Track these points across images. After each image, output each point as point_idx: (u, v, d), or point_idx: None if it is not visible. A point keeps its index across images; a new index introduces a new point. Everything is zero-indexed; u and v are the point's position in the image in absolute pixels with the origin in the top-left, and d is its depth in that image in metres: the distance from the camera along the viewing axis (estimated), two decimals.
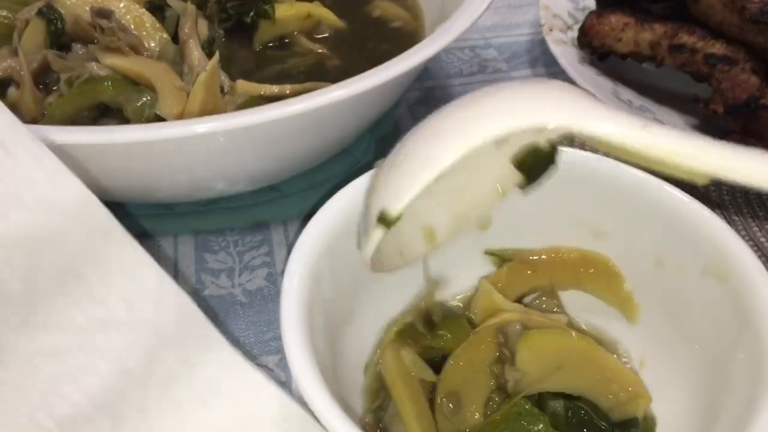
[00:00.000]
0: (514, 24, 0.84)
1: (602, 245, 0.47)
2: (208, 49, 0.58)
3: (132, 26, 0.59)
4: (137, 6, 0.60)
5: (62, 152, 0.42)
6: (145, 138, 0.43)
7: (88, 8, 0.58)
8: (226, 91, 0.56)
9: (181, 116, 0.52)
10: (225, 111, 0.53)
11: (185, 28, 0.57)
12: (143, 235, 0.57)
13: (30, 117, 0.55)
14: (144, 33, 0.59)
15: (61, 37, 0.60)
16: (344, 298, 0.44)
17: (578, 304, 0.48)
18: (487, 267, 0.50)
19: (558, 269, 0.48)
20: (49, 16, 0.59)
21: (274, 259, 0.56)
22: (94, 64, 0.54)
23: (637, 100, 0.67)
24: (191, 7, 0.59)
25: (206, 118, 0.44)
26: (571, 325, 0.47)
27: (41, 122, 0.54)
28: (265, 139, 0.49)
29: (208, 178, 0.52)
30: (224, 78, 0.57)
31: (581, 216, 0.47)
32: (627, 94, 0.68)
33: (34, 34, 0.59)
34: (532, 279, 0.48)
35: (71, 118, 0.53)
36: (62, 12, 0.60)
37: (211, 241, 0.58)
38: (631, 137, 0.35)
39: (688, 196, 0.43)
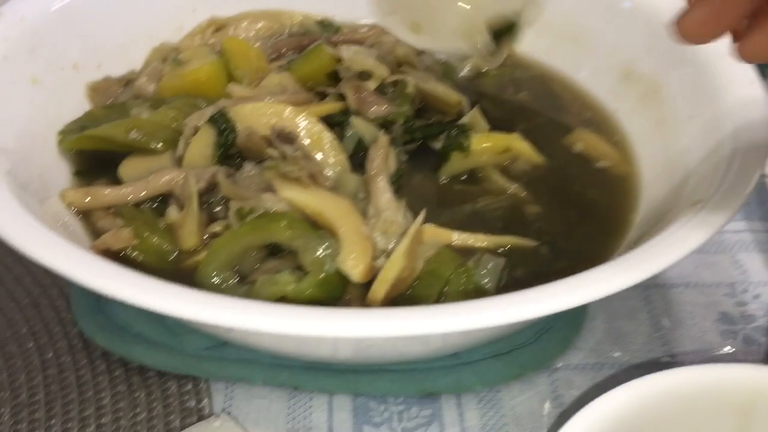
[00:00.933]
0: None
1: None
2: (396, 184, 0.50)
3: (310, 146, 0.52)
4: (316, 122, 0.54)
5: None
6: (321, 332, 0.35)
7: (268, 124, 0.52)
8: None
9: (367, 275, 0.44)
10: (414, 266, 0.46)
11: (375, 162, 0.50)
12: (295, 390, 0.49)
13: (189, 245, 0.48)
14: (321, 155, 0.52)
15: (230, 149, 0.54)
16: None
17: None
18: None
19: None
20: (221, 125, 0.53)
21: None
22: (269, 195, 0.47)
23: None
24: (383, 139, 0.52)
25: (391, 315, 0.36)
26: None
27: (202, 256, 0.47)
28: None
29: (377, 354, 0.43)
30: (408, 217, 0.49)
31: None
32: None
33: (202, 145, 0.53)
34: None
35: (237, 256, 0.46)
36: (235, 122, 0.54)
37: (371, 407, 0.49)
38: None
39: None
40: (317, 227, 0.47)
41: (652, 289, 0.57)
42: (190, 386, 0.49)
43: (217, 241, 0.47)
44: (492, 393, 0.50)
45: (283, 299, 0.45)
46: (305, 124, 0.53)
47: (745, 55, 0.36)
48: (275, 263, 0.47)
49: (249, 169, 0.51)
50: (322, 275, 0.45)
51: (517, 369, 0.50)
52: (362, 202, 0.49)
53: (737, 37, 0.36)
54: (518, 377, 0.50)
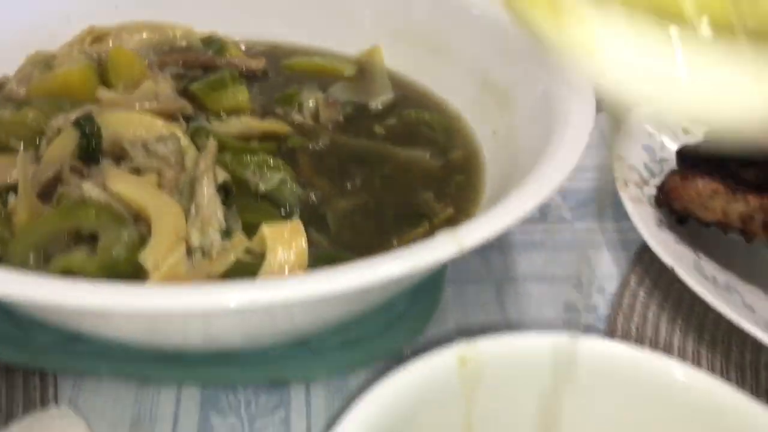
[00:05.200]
0: (581, 166, 0.76)
1: None
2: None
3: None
4: (183, 136, 0.55)
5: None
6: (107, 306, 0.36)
7: (135, 134, 0.54)
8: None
9: (165, 277, 0.45)
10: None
11: (200, 164, 0.51)
12: (142, 381, 0.50)
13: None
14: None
15: (93, 153, 0.54)
16: None
17: None
18: None
19: None
20: (85, 128, 0.54)
21: (289, 430, 0.48)
22: (89, 185, 0.48)
23: (722, 275, 0.59)
24: (213, 144, 0.53)
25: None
26: None
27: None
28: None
29: (220, 339, 0.44)
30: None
31: None
32: (710, 268, 0.59)
33: (63, 145, 0.54)
34: None
35: (46, 239, 0.47)
36: (101, 128, 0.54)
37: (220, 397, 0.50)
38: None
39: None
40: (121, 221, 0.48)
41: (504, 283, 0.60)
42: (37, 380, 0.49)
43: (28, 224, 0.48)
44: (341, 381, 0.51)
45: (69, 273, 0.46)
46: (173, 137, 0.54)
47: None
48: (82, 247, 0.47)
49: (106, 165, 0.52)
50: (108, 260, 0.46)
51: (365, 357, 0.51)
52: (187, 200, 0.50)
53: None
54: (366, 365, 0.51)
